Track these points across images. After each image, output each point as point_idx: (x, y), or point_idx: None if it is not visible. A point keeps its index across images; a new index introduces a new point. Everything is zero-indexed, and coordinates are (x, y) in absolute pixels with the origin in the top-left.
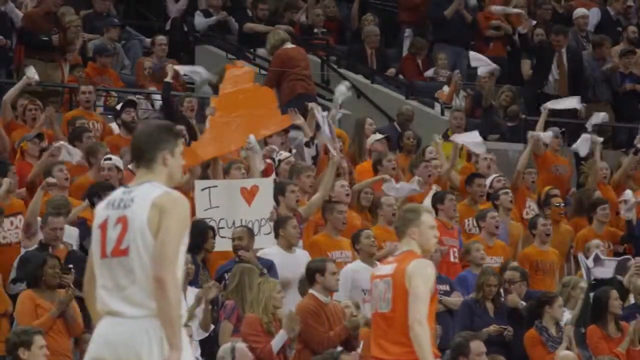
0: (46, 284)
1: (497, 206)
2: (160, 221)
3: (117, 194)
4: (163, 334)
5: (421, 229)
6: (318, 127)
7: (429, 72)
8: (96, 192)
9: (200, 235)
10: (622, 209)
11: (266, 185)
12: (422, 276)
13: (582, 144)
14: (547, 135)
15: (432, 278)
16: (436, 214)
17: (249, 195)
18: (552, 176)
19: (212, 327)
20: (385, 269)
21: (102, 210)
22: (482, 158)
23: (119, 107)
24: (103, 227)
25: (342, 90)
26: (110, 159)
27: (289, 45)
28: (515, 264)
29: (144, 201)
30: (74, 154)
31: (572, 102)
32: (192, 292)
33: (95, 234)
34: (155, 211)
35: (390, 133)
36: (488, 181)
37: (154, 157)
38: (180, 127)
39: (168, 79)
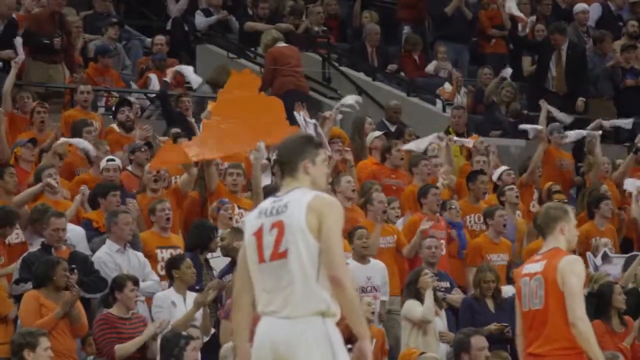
0: (55, 285)
1: (503, 202)
2: (320, 225)
3: (267, 203)
4: (320, 332)
5: (570, 226)
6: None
7: (430, 67)
8: (101, 193)
9: (206, 234)
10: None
11: None
12: (575, 273)
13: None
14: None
15: (584, 273)
16: (420, 207)
17: None
18: (556, 171)
19: (213, 330)
20: (535, 266)
21: (254, 219)
22: (475, 160)
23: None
24: (258, 234)
25: (350, 102)
26: (113, 160)
27: (282, 44)
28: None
29: (299, 205)
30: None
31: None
32: (192, 296)
33: (251, 241)
34: (313, 215)
35: (381, 128)
36: (497, 174)
37: (296, 166)
38: (176, 130)
39: (167, 78)
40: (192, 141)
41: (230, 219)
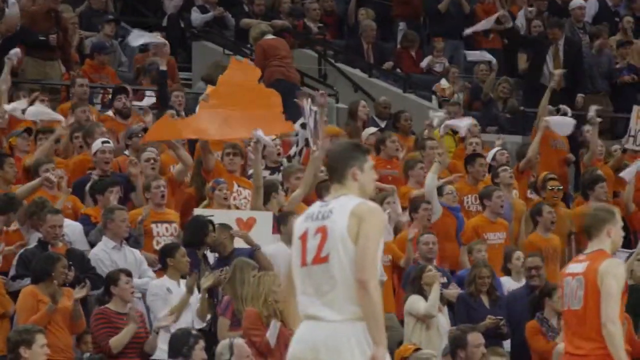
0: (53, 282)
1: (497, 184)
2: (359, 229)
3: (315, 208)
4: (363, 337)
5: (617, 228)
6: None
7: (424, 63)
8: (99, 189)
9: (201, 230)
10: None
11: (264, 218)
12: (615, 275)
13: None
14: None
15: (624, 277)
16: (411, 220)
17: (245, 227)
18: (552, 150)
19: (209, 316)
20: (577, 267)
21: (301, 223)
22: (468, 143)
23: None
24: (303, 238)
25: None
26: (108, 142)
27: (270, 36)
28: (518, 253)
29: (343, 211)
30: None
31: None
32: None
33: (296, 245)
34: (354, 219)
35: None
36: (490, 155)
37: (344, 173)
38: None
39: (162, 67)
40: (187, 119)
41: (225, 198)
